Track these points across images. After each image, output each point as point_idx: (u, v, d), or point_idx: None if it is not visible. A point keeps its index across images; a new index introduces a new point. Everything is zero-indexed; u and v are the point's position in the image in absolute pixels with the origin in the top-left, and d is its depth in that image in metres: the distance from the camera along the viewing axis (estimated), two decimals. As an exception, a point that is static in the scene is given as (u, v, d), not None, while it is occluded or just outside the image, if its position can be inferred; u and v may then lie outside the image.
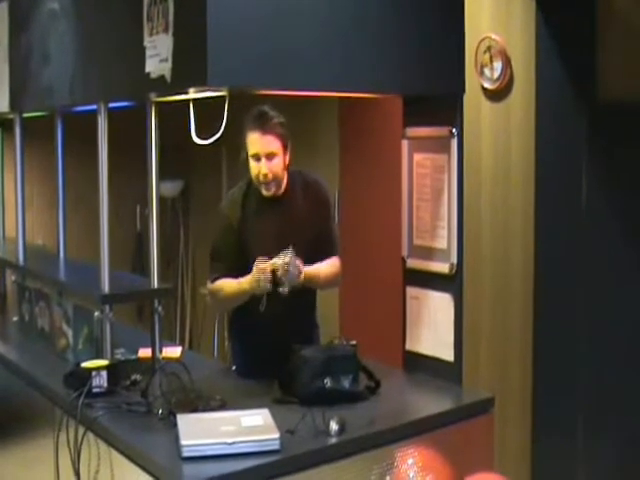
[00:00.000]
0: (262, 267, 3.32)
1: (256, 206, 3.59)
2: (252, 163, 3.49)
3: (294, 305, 3.53)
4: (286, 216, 3.59)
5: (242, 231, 3.56)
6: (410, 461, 2.97)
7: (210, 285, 3.60)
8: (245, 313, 3.66)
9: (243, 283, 3.42)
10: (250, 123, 3.47)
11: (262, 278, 3.31)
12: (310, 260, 3.55)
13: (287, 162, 3.54)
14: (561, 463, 4.37)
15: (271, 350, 3.52)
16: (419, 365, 3.70)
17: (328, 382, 3.23)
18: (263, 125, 3.45)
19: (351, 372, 3.27)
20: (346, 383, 3.25)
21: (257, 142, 3.45)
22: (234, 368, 3.79)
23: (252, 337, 3.70)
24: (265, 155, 3.45)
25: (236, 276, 3.50)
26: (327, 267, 3.64)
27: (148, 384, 3.27)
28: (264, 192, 3.53)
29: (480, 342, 4.44)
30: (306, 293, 3.64)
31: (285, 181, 3.58)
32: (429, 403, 3.42)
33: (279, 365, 3.35)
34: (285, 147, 3.50)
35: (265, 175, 3.47)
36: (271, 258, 3.38)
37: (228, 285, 3.51)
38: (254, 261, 3.44)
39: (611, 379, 4.26)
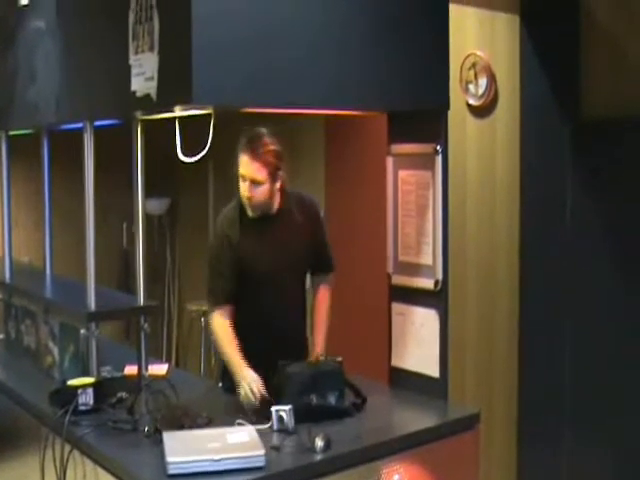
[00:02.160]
0: (253, 391, 3.32)
1: (252, 225, 3.60)
2: (240, 182, 3.51)
3: (280, 322, 3.62)
4: (281, 234, 3.61)
5: (240, 249, 3.57)
6: (396, 477, 2.98)
7: (213, 310, 3.58)
8: (235, 329, 3.68)
9: (236, 366, 3.43)
10: (243, 144, 3.48)
11: (247, 401, 3.33)
12: (303, 276, 3.71)
13: (275, 189, 3.55)
14: (546, 478, 4.38)
15: (259, 366, 3.54)
16: (405, 381, 3.71)
17: (314, 398, 3.23)
18: (254, 151, 3.45)
19: (337, 388, 3.28)
20: (332, 399, 3.26)
21: (245, 165, 3.47)
22: (220, 385, 3.79)
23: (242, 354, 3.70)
24: (250, 180, 3.47)
25: (233, 296, 3.54)
26: (325, 319, 3.79)
27: (134, 402, 3.27)
28: (249, 213, 3.55)
29: (466, 358, 4.45)
30: (293, 310, 3.69)
31: (277, 202, 3.61)
32: (415, 419, 3.43)
33: (267, 381, 3.36)
34: (273, 176, 3.50)
35: (248, 198, 3.50)
36: (262, 276, 3.51)
37: (224, 344, 3.51)
38: (252, 279, 3.52)
39: (597, 394, 4.28)
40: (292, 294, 3.71)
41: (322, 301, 3.82)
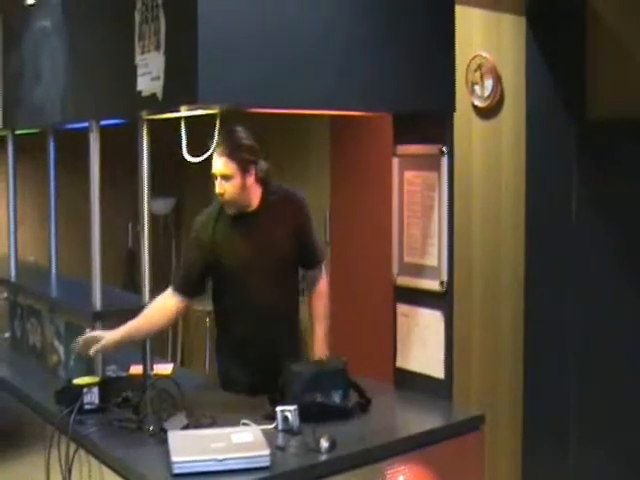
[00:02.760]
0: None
1: (230, 223, 3.61)
2: (215, 181, 3.54)
3: (268, 321, 3.63)
4: (259, 230, 3.61)
5: (214, 249, 3.58)
6: (400, 478, 2.98)
7: (164, 294, 3.63)
8: (225, 328, 3.71)
9: (120, 329, 3.49)
10: (217, 141, 3.49)
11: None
12: (291, 270, 3.72)
13: (248, 183, 3.54)
14: (552, 479, 4.38)
15: (253, 364, 3.56)
16: (409, 382, 3.71)
17: (318, 397, 3.23)
18: (223, 147, 3.47)
19: (341, 387, 3.28)
20: (336, 398, 3.26)
21: (215, 162, 3.50)
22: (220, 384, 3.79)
23: (234, 353, 3.71)
24: (220, 176, 3.49)
25: (190, 291, 3.59)
26: (324, 313, 3.80)
27: (139, 401, 3.27)
28: (227, 210, 3.57)
29: (470, 359, 4.45)
30: (280, 308, 3.69)
31: (255, 198, 3.61)
32: (420, 420, 3.43)
33: (263, 379, 3.39)
34: (244, 170, 3.51)
35: (220, 194, 3.52)
36: (248, 273, 3.56)
37: (139, 316, 3.55)
38: (230, 278, 3.57)
39: (603, 395, 4.28)
40: (280, 292, 3.69)
41: (318, 296, 3.82)
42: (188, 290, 3.59)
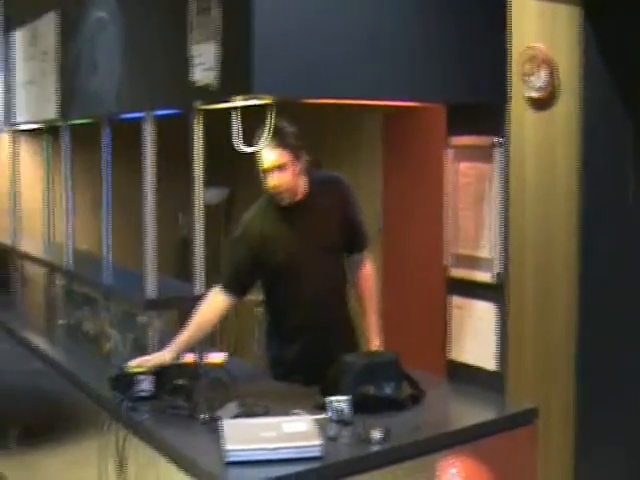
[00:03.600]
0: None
1: (277, 216, 3.62)
2: (264, 177, 3.53)
3: (323, 311, 3.64)
4: (308, 219, 3.62)
5: (264, 244, 3.59)
6: (452, 471, 2.97)
7: (211, 293, 3.64)
8: (278, 320, 3.71)
9: (174, 344, 3.51)
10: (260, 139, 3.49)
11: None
12: (341, 255, 3.72)
13: (299, 170, 3.56)
14: (605, 474, 4.33)
15: (307, 354, 3.57)
16: (462, 375, 3.69)
17: (371, 389, 3.23)
18: (272, 139, 3.47)
19: (393, 379, 3.27)
20: (388, 390, 3.25)
21: (266, 155, 3.50)
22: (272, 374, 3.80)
23: (287, 344, 3.72)
24: (273, 168, 3.49)
25: (239, 289, 3.61)
26: (374, 297, 3.84)
27: (192, 389, 3.30)
28: (280, 202, 3.57)
29: (523, 352, 4.41)
30: (334, 297, 3.71)
31: (303, 187, 3.61)
32: (472, 413, 3.40)
33: (318, 370, 3.37)
34: (295, 157, 3.53)
35: (275, 187, 3.52)
36: (300, 264, 3.54)
37: (192, 321, 3.57)
38: (282, 271, 3.56)
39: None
40: (332, 280, 3.70)
41: (366, 279, 3.82)
42: (237, 289, 3.61)
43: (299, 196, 3.61)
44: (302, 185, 3.61)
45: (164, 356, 3.44)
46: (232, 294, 3.59)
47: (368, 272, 3.83)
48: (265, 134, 3.23)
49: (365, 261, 3.83)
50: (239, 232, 3.68)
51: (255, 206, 3.72)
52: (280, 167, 3.50)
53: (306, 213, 3.61)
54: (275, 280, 3.63)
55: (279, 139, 3.48)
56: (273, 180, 3.52)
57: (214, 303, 3.58)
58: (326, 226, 3.64)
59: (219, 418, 3.01)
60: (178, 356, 3.48)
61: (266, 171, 3.53)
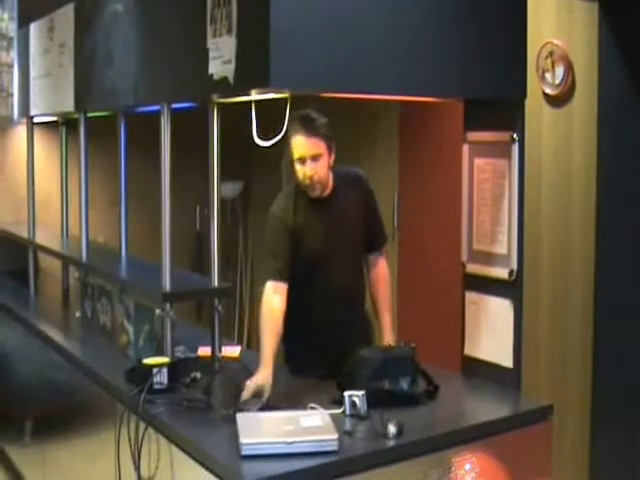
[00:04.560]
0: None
1: (305, 208, 3.61)
2: (297, 167, 3.51)
3: (344, 304, 3.64)
4: (335, 214, 3.62)
5: (295, 233, 3.58)
6: (467, 467, 2.96)
7: (267, 292, 3.53)
8: (298, 314, 3.70)
9: (263, 358, 3.34)
10: (294, 127, 3.48)
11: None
12: (361, 252, 3.71)
13: (331, 163, 3.56)
14: (620, 471, 4.32)
15: (326, 349, 3.56)
16: (477, 370, 3.69)
17: (386, 383, 3.23)
18: (307, 128, 3.46)
19: (409, 374, 3.27)
20: (404, 385, 3.25)
21: (302, 145, 3.47)
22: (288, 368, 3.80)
23: (305, 338, 3.72)
24: (310, 157, 3.47)
25: (289, 275, 3.52)
26: (389, 294, 3.80)
27: (209, 382, 3.31)
28: (310, 194, 3.56)
29: (539, 348, 4.40)
30: (355, 291, 3.71)
31: (330, 181, 3.61)
32: (487, 409, 3.40)
33: (335, 365, 3.37)
34: (329, 148, 3.52)
35: (310, 177, 3.49)
36: (324, 259, 3.53)
37: (266, 331, 3.44)
38: (308, 263, 3.54)
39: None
40: (354, 275, 3.71)
41: (383, 280, 3.80)
42: (288, 275, 3.54)
43: (327, 189, 3.60)
44: (330, 178, 3.61)
45: (264, 377, 3.26)
46: (285, 282, 3.52)
47: (385, 274, 3.82)
48: (284, 129, 3.23)
49: (381, 261, 3.83)
50: (273, 221, 3.61)
51: (282, 197, 3.68)
52: (315, 157, 3.48)
53: (333, 207, 3.62)
54: (301, 272, 3.59)
55: (315, 129, 3.47)
56: (308, 170, 3.50)
57: (275, 302, 3.49)
58: (351, 222, 3.64)
59: (235, 412, 3.01)
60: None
61: (301, 160, 3.51)
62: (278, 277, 3.53)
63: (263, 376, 3.24)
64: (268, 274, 3.57)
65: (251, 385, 3.19)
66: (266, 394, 3.19)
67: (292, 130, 3.48)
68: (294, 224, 3.58)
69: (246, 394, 3.16)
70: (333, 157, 3.55)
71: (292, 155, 3.51)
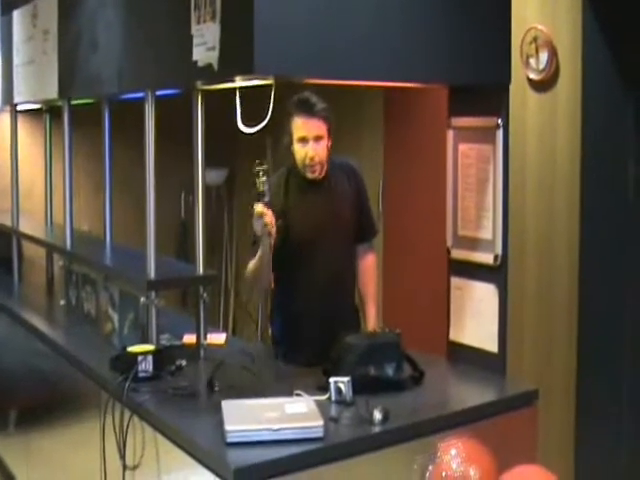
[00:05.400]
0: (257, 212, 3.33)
1: (298, 191, 3.63)
2: (298, 147, 3.53)
3: (332, 290, 3.67)
4: (328, 198, 3.64)
5: (285, 217, 3.58)
6: (453, 452, 2.96)
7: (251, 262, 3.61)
8: (287, 298, 3.71)
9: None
10: (295, 108, 3.52)
11: (256, 223, 3.34)
12: (352, 241, 3.74)
13: (330, 146, 3.57)
14: (605, 456, 4.35)
15: (313, 335, 3.57)
16: (463, 355, 3.70)
17: (372, 369, 3.23)
18: (309, 109, 3.51)
19: (395, 360, 3.27)
20: (390, 371, 3.26)
21: (304, 126, 3.50)
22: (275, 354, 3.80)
23: (293, 323, 3.72)
24: (312, 138, 3.50)
25: (281, 260, 3.53)
26: (375, 285, 3.89)
27: (194, 369, 3.30)
28: (309, 175, 3.57)
29: (524, 333, 4.42)
30: (343, 277, 3.72)
31: (325, 165, 3.62)
32: (473, 394, 3.42)
33: (322, 350, 3.37)
34: (329, 130, 3.55)
35: (312, 158, 3.52)
36: (314, 242, 3.55)
37: (255, 261, 3.53)
38: (297, 247, 3.54)
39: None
40: (343, 261, 3.73)
41: (369, 272, 3.84)
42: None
43: (323, 173, 3.60)
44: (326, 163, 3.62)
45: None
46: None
47: (372, 263, 3.85)
48: (268, 114, 3.22)
49: (370, 252, 3.85)
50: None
51: (275, 177, 3.68)
52: (317, 138, 3.52)
53: (327, 191, 3.64)
54: (287, 255, 3.59)
55: (316, 110, 3.51)
56: (307, 151, 3.51)
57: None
58: (343, 208, 3.67)
59: (220, 399, 3.01)
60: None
61: (303, 140, 3.52)
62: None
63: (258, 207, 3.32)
64: (253, 250, 3.57)
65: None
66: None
67: (293, 111, 3.51)
68: (284, 203, 3.58)
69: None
70: (331, 141, 3.57)
71: (292, 136, 3.52)
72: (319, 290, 3.63)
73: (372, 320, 3.77)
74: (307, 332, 3.61)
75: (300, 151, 3.53)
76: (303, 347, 3.60)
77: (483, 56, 3.49)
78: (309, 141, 3.51)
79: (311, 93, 3.57)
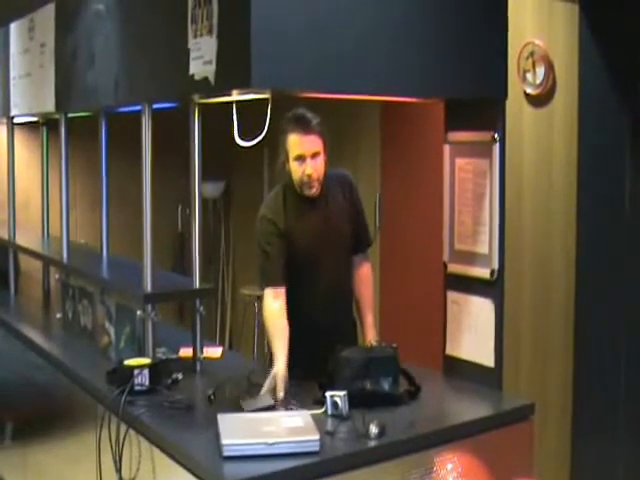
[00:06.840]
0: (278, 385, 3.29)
1: (296, 208, 3.61)
2: (295, 165, 3.49)
3: (333, 305, 3.66)
4: (325, 214, 3.62)
5: (287, 234, 3.57)
6: (449, 466, 2.97)
7: (267, 299, 3.53)
8: (288, 316, 3.69)
9: (275, 356, 3.39)
10: (290, 125, 3.49)
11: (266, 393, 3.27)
12: (349, 253, 3.72)
13: (326, 161, 3.56)
14: (602, 470, 4.34)
15: (314, 349, 3.56)
16: (459, 370, 3.69)
17: (368, 384, 3.23)
18: (305, 126, 3.47)
19: (391, 374, 3.27)
20: (386, 385, 3.25)
21: (301, 143, 3.46)
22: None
23: (295, 338, 3.70)
24: (310, 155, 3.47)
25: (285, 278, 3.53)
26: (372, 297, 3.87)
27: (190, 383, 3.30)
28: (307, 192, 3.54)
29: (520, 348, 4.42)
30: (344, 292, 3.72)
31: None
32: (469, 408, 3.41)
33: (319, 365, 3.36)
34: (325, 145, 3.53)
35: (309, 175, 3.48)
36: (315, 259, 3.53)
37: (274, 333, 3.48)
38: (300, 263, 3.54)
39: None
40: (343, 276, 3.72)
41: (366, 282, 3.82)
42: (284, 277, 3.54)
43: (320, 189, 3.59)
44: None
45: (281, 369, 3.33)
46: (283, 285, 3.53)
47: (368, 275, 3.83)
48: (265, 128, 3.22)
49: (366, 263, 3.84)
50: (265, 225, 3.59)
51: (271, 198, 3.66)
52: (314, 154, 3.48)
53: (324, 207, 3.61)
54: (292, 272, 3.57)
55: (312, 127, 3.48)
56: (305, 168, 3.48)
57: (276, 308, 3.49)
58: (340, 222, 3.65)
59: (216, 413, 3.01)
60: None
61: (300, 158, 3.49)
62: (275, 281, 3.53)
63: (281, 371, 3.29)
64: (265, 279, 3.56)
65: (274, 382, 3.24)
66: (280, 387, 3.24)
67: (288, 129, 3.48)
68: (285, 223, 3.57)
69: (266, 388, 3.22)
70: (327, 156, 3.56)
71: (287, 154, 3.50)
72: (320, 306, 3.62)
73: (370, 328, 3.74)
74: (308, 347, 3.59)
75: (297, 170, 3.50)
76: (304, 361, 3.58)
77: (480, 71, 3.50)
78: (306, 158, 3.47)
79: (305, 109, 3.53)
